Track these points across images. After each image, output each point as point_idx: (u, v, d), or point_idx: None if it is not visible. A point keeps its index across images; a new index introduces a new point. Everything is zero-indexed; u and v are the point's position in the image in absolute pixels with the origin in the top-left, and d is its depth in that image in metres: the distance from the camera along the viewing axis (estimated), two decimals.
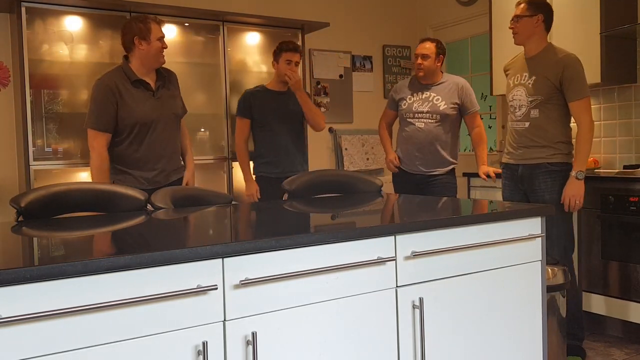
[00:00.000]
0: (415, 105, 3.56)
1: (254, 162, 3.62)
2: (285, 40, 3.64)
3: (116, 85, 2.83)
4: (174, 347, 1.29)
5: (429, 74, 3.54)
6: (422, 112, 3.53)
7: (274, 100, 3.54)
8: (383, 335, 1.62)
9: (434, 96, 3.53)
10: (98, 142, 2.83)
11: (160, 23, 2.95)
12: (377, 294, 1.60)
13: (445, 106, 3.50)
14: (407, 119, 3.58)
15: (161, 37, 2.91)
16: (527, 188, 3.00)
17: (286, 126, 3.53)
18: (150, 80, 2.94)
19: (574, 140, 2.95)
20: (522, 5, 2.99)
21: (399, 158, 3.64)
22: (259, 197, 3.53)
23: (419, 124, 3.52)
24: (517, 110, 3.03)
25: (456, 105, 3.53)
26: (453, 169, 3.61)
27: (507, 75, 3.21)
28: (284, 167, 3.51)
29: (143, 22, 2.88)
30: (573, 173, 2.86)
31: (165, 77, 3.03)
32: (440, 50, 3.55)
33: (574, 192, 2.86)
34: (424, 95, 3.55)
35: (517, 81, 3.04)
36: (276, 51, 3.55)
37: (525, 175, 2.99)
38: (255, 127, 3.57)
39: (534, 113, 2.95)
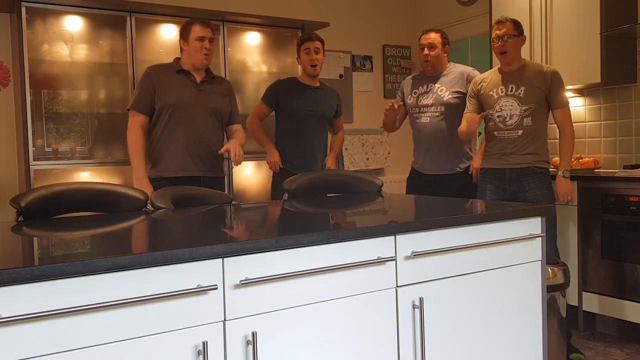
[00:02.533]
0: (420, 98, 3.47)
1: None
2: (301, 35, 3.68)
3: (158, 73, 3.02)
4: (174, 347, 1.29)
5: (437, 65, 3.44)
6: (426, 106, 3.43)
7: (303, 92, 3.50)
8: (383, 335, 1.62)
9: (438, 87, 3.43)
10: (134, 120, 2.99)
11: (205, 24, 3.06)
12: (377, 293, 1.60)
13: (450, 96, 3.38)
14: (414, 114, 3.50)
15: (201, 37, 3.02)
16: (515, 188, 3.14)
17: (311, 122, 3.49)
18: (198, 76, 3.07)
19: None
20: (509, 24, 3.13)
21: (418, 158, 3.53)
22: (281, 166, 3.47)
23: (424, 119, 3.43)
24: (507, 119, 3.14)
25: (461, 94, 3.38)
26: (468, 168, 3.42)
27: (480, 90, 3.22)
28: (300, 163, 3.46)
29: (187, 24, 3.08)
30: (560, 173, 3.11)
31: (215, 78, 3.15)
32: (446, 40, 3.46)
33: (565, 189, 3.12)
34: (428, 88, 3.45)
35: (502, 93, 3.15)
36: (296, 48, 3.57)
37: (514, 177, 3.13)
38: (281, 118, 3.54)
39: (527, 121, 3.10)
